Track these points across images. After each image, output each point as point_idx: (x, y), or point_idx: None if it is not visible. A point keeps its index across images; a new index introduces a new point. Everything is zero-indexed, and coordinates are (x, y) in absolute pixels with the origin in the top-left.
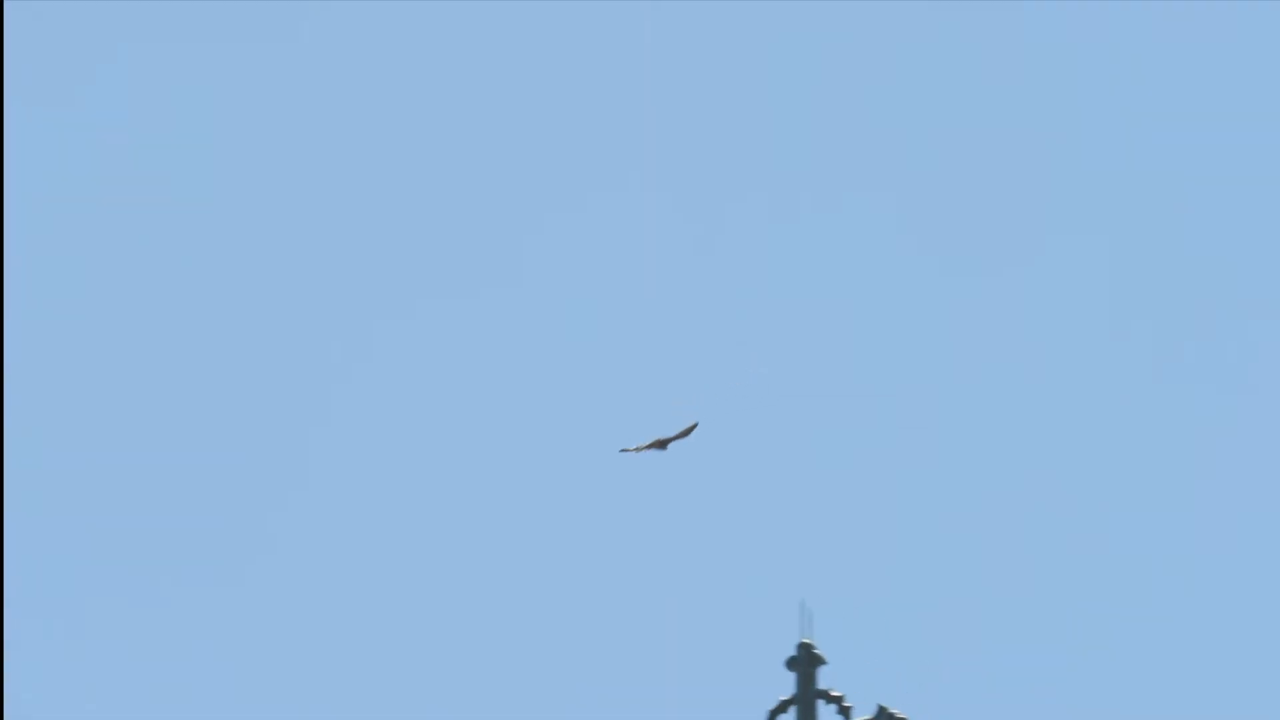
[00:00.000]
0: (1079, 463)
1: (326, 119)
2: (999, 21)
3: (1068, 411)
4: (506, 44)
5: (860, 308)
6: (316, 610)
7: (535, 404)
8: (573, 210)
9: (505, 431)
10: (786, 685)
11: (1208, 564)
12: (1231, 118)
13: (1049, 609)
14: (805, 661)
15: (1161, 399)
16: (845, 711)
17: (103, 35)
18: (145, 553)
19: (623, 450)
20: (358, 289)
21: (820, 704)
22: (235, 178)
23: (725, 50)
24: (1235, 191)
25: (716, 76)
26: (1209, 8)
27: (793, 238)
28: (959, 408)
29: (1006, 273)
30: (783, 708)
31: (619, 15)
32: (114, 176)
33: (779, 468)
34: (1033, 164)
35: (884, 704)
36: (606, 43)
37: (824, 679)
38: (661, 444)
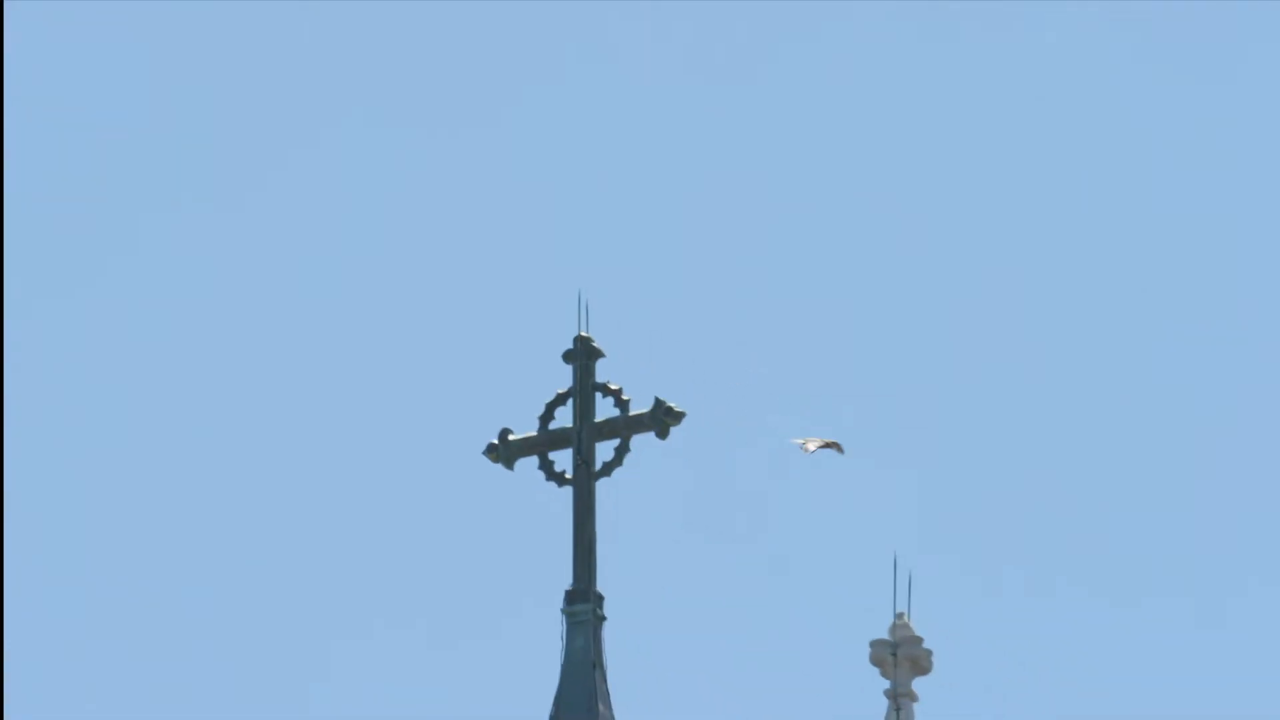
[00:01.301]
0: None
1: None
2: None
3: None
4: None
5: None
6: None
7: None
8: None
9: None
10: (564, 378)
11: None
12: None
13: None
14: (583, 354)
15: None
16: (623, 405)
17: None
18: None
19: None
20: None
21: (598, 397)
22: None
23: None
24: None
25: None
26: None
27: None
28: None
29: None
30: (560, 400)
31: None
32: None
33: (558, 157)
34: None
35: (661, 397)
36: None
37: (601, 372)
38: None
